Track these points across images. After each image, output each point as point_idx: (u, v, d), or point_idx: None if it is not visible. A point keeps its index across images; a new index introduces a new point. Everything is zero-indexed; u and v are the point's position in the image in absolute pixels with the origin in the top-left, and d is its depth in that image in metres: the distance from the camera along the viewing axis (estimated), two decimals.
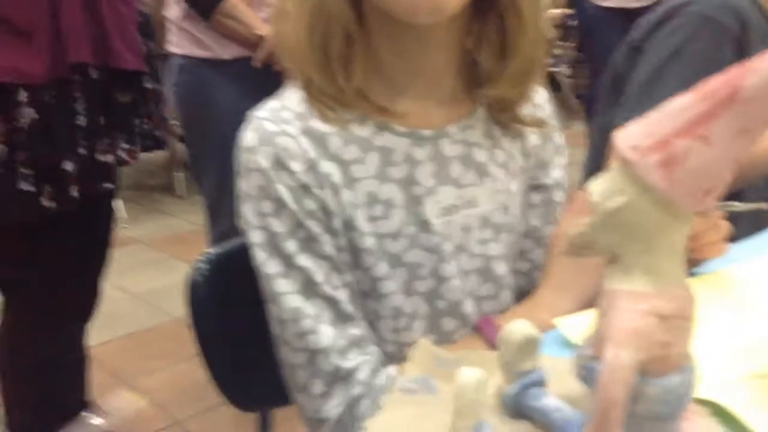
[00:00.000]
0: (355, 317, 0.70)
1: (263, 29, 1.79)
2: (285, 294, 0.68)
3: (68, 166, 1.30)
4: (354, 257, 0.71)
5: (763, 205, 0.77)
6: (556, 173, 0.84)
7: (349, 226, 0.71)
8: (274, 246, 0.69)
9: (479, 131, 0.77)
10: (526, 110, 0.80)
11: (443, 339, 0.75)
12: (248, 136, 0.71)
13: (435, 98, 0.74)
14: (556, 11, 5.15)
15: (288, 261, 0.68)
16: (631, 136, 0.40)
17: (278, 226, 0.68)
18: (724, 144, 0.37)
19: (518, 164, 0.80)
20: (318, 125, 0.71)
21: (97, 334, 2.48)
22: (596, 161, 1.29)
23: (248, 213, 0.70)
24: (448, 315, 0.75)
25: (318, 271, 0.68)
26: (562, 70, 5.59)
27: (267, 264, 0.69)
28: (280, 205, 0.68)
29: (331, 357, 0.68)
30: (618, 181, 0.40)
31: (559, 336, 0.64)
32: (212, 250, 0.84)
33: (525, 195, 0.81)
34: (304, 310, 0.68)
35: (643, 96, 1.11)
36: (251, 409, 0.83)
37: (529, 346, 0.52)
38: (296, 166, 0.69)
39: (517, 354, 0.52)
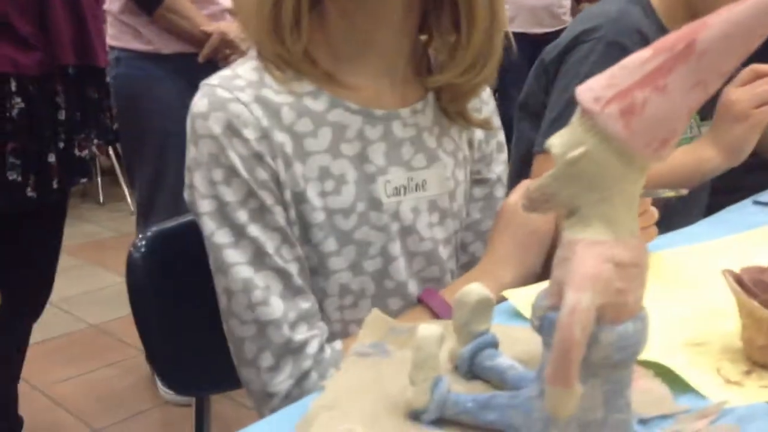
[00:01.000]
0: (305, 291, 0.70)
1: (208, 25, 1.80)
2: (235, 265, 0.67)
3: (51, 158, 1.34)
4: (303, 232, 0.71)
5: (683, 191, 0.82)
6: (498, 169, 0.86)
7: (299, 199, 0.70)
8: (224, 215, 0.67)
9: (429, 117, 0.78)
10: (472, 106, 0.81)
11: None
12: (200, 102, 0.69)
13: (385, 78, 0.75)
14: None
15: (238, 231, 0.67)
16: (592, 89, 0.41)
17: (229, 194, 0.67)
18: (679, 95, 0.39)
19: (464, 154, 0.82)
20: (271, 95, 0.70)
21: None
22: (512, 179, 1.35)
23: (198, 181, 0.68)
24: (395, 295, 0.76)
25: (269, 243, 0.68)
26: None
27: (217, 234, 0.68)
28: (231, 173, 0.67)
29: (282, 329, 0.67)
30: (578, 133, 0.42)
31: (508, 308, 0.66)
32: (151, 229, 0.81)
33: (468, 187, 0.83)
34: (254, 281, 0.67)
35: (560, 123, 1.17)
36: (189, 393, 0.81)
37: (484, 307, 0.53)
38: (249, 133, 0.68)
39: (472, 315, 0.53)
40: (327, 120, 0.72)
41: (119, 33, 1.84)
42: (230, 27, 1.82)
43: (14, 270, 1.48)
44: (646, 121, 0.40)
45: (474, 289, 0.53)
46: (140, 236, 0.80)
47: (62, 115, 1.36)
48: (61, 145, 1.37)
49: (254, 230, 0.67)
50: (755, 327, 0.57)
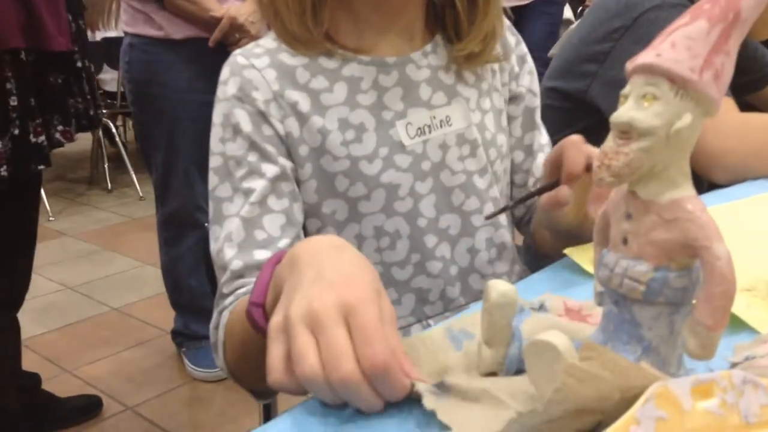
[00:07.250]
0: (265, 246, 0.73)
1: (217, 10, 1.81)
2: (229, 216, 0.74)
3: (0, 145, 1.30)
4: (327, 185, 0.76)
5: None
6: (525, 80, 0.89)
7: (319, 152, 0.76)
8: (227, 170, 0.74)
9: (443, 56, 0.83)
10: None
11: (427, 255, 0.80)
12: (224, 70, 0.77)
13: (398, 32, 0.80)
14: None
15: (235, 185, 0.74)
16: (679, 62, 0.46)
17: (233, 149, 0.74)
18: (734, 55, 0.46)
19: (488, 83, 0.85)
20: (286, 58, 0.77)
21: (35, 326, 2.43)
22: None
23: (212, 140, 0.75)
24: (428, 232, 0.80)
25: (256, 193, 0.73)
26: None
27: (219, 188, 0.74)
28: (237, 130, 0.74)
29: (223, 276, 0.73)
30: (675, 104, 0.45)
31: (568, 263, 0.71)
32: None
33: (503, 110, 0.87)
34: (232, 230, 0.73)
35: None
36: None
37: (516, 303, 0.55)
38: (258, 95, 0.75)
39: (513, 314, 0.54)
40: (341, 75, 0.78)
41: (132, 19, 1.86)
42: (239, 11, 1.83)
43: None
44: (723, 81, 0.46)
45: (509, 289, 0.53)
46: None
47: (13, 101, 1.33)
48: (16, 131, 1.33)
49: (247, 183, 0.74)
50: None
